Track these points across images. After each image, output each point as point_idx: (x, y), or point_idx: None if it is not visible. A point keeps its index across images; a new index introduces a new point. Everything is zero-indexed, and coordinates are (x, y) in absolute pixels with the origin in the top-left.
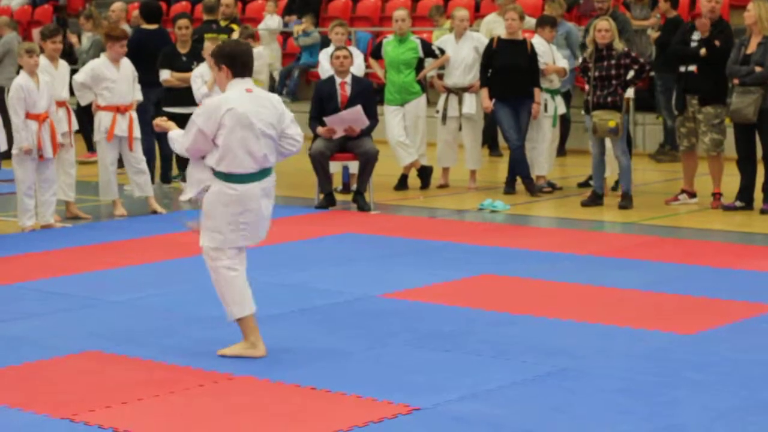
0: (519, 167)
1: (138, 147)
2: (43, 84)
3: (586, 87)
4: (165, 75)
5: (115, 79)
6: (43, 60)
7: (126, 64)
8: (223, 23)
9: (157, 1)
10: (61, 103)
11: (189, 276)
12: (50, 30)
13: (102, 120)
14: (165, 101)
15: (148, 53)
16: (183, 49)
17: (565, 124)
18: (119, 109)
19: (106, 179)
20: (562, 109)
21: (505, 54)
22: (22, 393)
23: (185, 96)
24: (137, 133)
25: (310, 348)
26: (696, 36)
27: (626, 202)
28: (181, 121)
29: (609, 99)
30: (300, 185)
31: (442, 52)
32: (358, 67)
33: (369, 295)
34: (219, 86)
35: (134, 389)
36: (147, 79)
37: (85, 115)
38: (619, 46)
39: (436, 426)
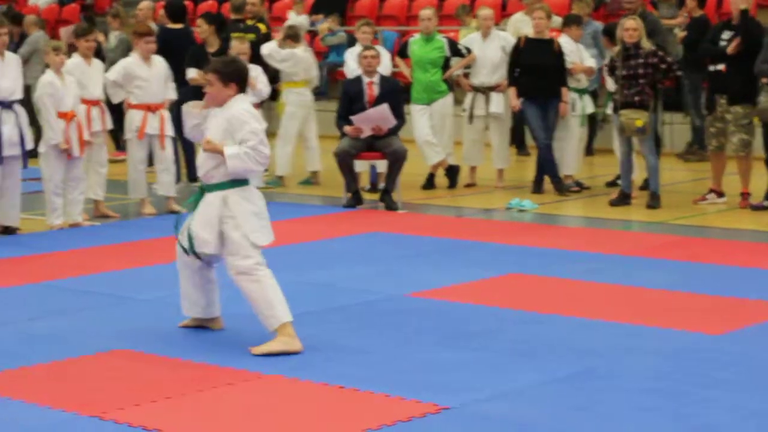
0: (547, 167)
1: (169, 146)
2: (68, 83)
3: (609, 85)
4: (192, 74)
5: (146, 78)
6: (76, 58)
7: (158, 62)
8: (249, 22)
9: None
10: (94, 102)
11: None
12: (84, 29)
13: (133, 118)
14: (193, 100)
15: (173, 53)
16: (211, 48)
17: (593, 123)
18: (150, 108)
19: (134, 178)
20: (590, 109)
21: (533, 53)
22: (50, 391)
23: None
24: (169, 131)
25: (338, 347)
26: (726, 36)
27: (654, 202)
28: None
29: (636, 98)
30: (327, 185)
31: (469, 51)
32: (384, 66)
33: (397, 295)
34: (214, 100)
35: (163, 388)
36: (174, 77)
37: (113, 114)
38: (647, 45)
39: (465, 425)
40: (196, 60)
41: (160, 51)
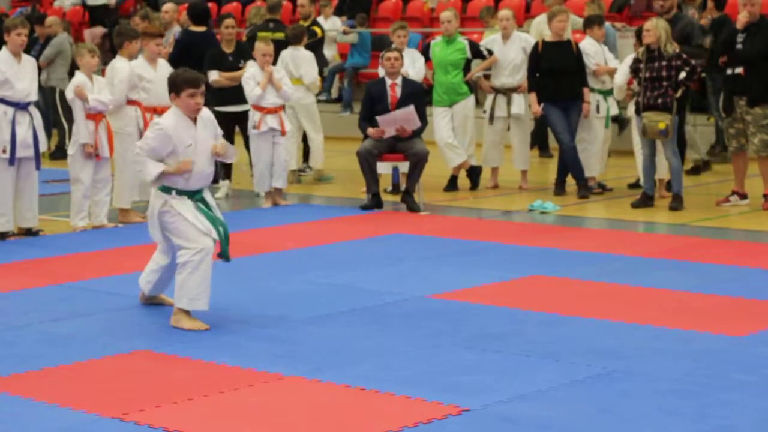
0: (573, 169)
1: None
2: (97, 85)
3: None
4: (214, 76)
5: (151, 79)
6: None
7: (164, 65)
8: (303, 23)
9: (206, 2)
10: (133, 102)
11: (241, 276)
12: (136, 32)
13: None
14: (216, 101)
15: (195, 55)
16: (228, 49)
17: (622, 123)
18: (156, 110)
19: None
20: (614, 110)
21: (552, 56)
22: (72, 392)
23: (235, 94)
24: None
25: (359, 348)
26: (741, 38)
27: (677, 204)
28: (234, 119)
29: (659, 100)
30: (348, 186)
31: (490, 52)
32: (418, 71)
33: (418, 296)
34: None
35: (184, 389)
36: None
37: None
38: (670, 47)
39: (486, 427)
40: (216, 62)
41: (182, 53)
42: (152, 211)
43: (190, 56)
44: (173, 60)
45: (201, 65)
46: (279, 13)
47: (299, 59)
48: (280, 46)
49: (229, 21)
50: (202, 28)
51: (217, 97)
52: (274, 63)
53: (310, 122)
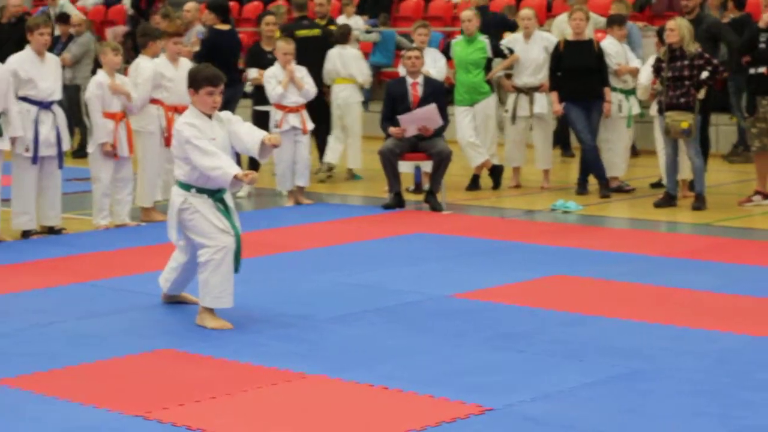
0: (594, 169)
1: None
2: (120, 83)
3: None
4: (253, 73)
5: (172, 78)
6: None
7: (186, 64)
8: (320, 22)
9: (228, 0)
10: (155, 101)
11: (264, 275)
12: (158, 31)
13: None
14: (255, 100)
15: (222, 53)
16: (268, 47)
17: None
18: (177, 110)
19: (164, 179)
20: (636, 109)
21: (573, 56)
22: (95, 391)
23: None
24: None
25: (382, 347)
26: (764, 37)
27: (699, 204)
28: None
29: (682, 100)
30: (371, 185)
31: (511, 51)
32: (439, 70)
33: (441, 295)
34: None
35: (207, 387)
36: None
37: None
38: (692, 47)
39: (509, 426)
40: (256, 59)
41: (209, 52)
42: (172, 209)
43: (218, 55)
44: (200, 59)
45: (228, 64)
46: (307, 10)
47: (347, 58)
48: (315, 43)
49: (269, 18)
50: (227, 27)
51: (256, 96)
52: (319, 61)
53: (355, 122)
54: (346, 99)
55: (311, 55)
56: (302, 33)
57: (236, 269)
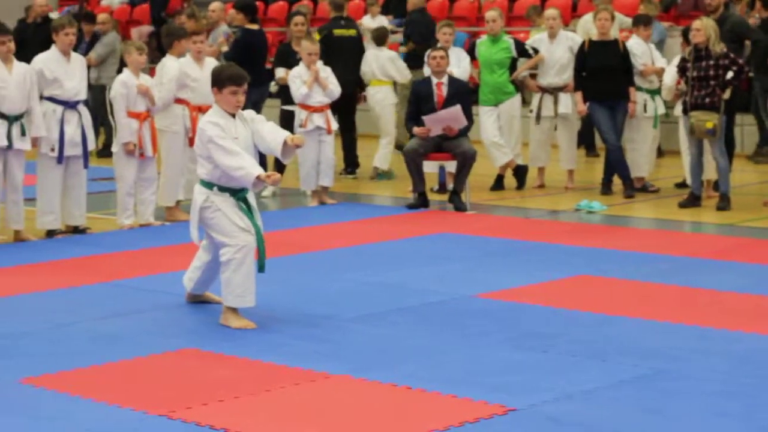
0: (619, 169)
1: None
2: (144, 83)
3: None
4: (280, 73)
5: (196, 78)
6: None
7: (211, 64)
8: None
9: (255, 0)
10: (181, 101)
11: (288, 274)
12: (183, 31)
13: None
14: (283, 99)
15: (254, 53)
16: (297, 46)
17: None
18: (201, 110)
19: (188, 179)
20: (662, 109)
21: (598, 55)
22: (119, 390)
23: None
24: None
25: (405, 347)
26: None
27: (724, 204)
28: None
29: (707, 100)
30: (395, 185)
31: (536, 51)
32: (463, 70)
33: (464, 295)
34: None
35: (231, 387)
36: (251, 78)
37: None
38: (718, 46)
39: (532, 427)
40: (285, 59)
41: (244, 51)
42: (194, 207)
43: (249, 55)
44: (233, 59)
45: (259, 64)
46: (344, 10)
47: (384, 60)
48: (351, 43)
49: (298, 18)
50: (256, 26)
51: (283, 95)
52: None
53: (389, 123)
54: (380, 101)
55: (347, 55)
56: (340, 32)
57: (261, 269)
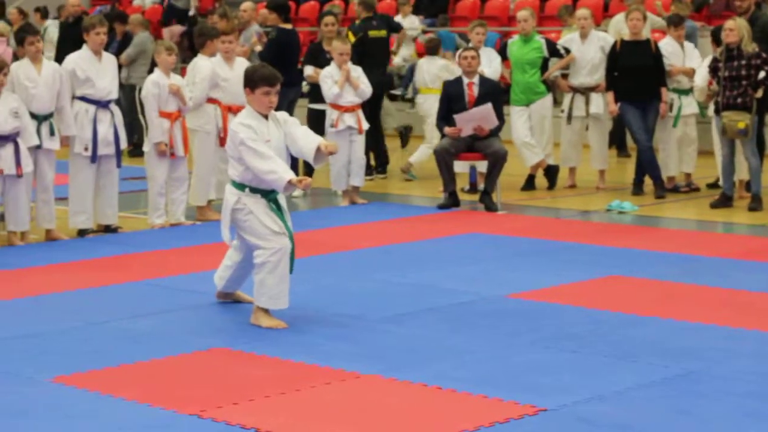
0: (649, 169)
1: None
2: (175, 83)
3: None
4: (309, 71)
5: (226, 78)
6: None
7: (242, 64)
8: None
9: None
10: (213, 101)
11: (318, 274)
12: (215, 30)
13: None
14: (310, 98)
15: (289, 53)
16: (328, 46)
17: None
18: (231, 110)
19: (219, 178)
20: (692, 109)
21: (630, 55)
22: (149, 389)
23: None
24: None
25: (436, 347)
26: None
27: (756, 204)
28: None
29: (739, 100)
30: (426, 184)
31: (568, 51)
32: (494, 70)
33: (495, 295)
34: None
35: (261, 386)
36: (285, 78)
37: None
38: (750, 46)
39: (563, 427)
40: (315, 58)
41: (279, 51)
42: (225, 208)
43: (284, 54)
44: (268, 58)
45: (293, 63)
46: (375, 9)
47: (435, 69)
48: (382, 43)
49: (328, 18)
50: (289, 26)
51: (311, 94)
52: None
53: (433, 129)
54: (427, 110)
55: (378, 56)
56: (374, 34)
57: (290, 270)
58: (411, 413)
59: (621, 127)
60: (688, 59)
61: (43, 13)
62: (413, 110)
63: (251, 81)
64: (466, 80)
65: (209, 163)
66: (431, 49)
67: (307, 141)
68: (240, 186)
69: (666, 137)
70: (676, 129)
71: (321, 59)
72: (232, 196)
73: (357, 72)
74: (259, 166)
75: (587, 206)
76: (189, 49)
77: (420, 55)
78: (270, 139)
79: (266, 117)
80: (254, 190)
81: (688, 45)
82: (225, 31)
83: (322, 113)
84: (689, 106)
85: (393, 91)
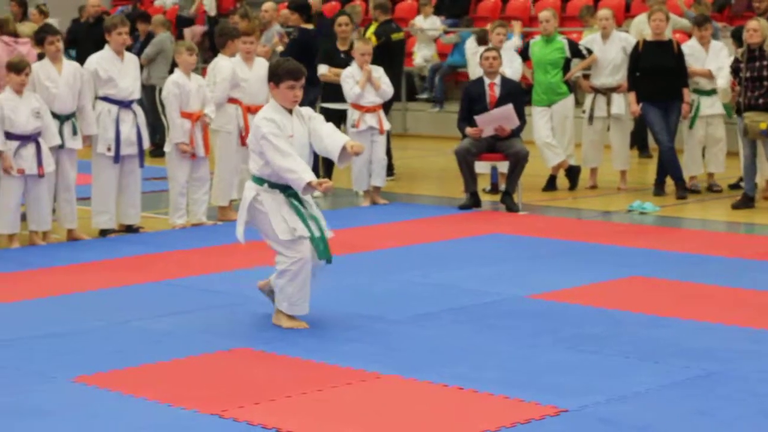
0: (670, 170)
1: None
2: (195, 84)
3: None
4: (323, 70)
5: (246, 78)
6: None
7: (261, 64)
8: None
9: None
10: (234, 101)
11: (339, 275)
12: (236, 30)
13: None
14: (323, 97)
15: (311, 53)
16: (342, 46)
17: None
18: (250, 109)
19: (240, 178)
20: (716, 109)
21: (652, 56)
22: (171, 389)
23: (342, 92)
24: None
25: (457, 348)
26: None
27: None
28: (339, 117)
29: (760, 100)
30: (447, 185)
31: (590, 52)
32: (515, 70)
33: (516, 296)
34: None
35: (283, 386)
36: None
37: None
38: None
39: (583, 428)
40: (329, 57)
41: (302, 51)
42: (243, 205)
43: (306, 54)
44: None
45: (316, 63)
46: (391, 12)
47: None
48: (402, 46)
49: (342, 19)
50: (311, 26)
51: (324, 93)
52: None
53: None
54: None
55: (398, 59)
56: (396, 37)
57: (329, 260)
58: (431, 414)
59: (643, 128)
60: (715, 58)
61: (41, 11)
62: (435, 110)
63: (276, 75)
64: (487, 81)
65: (231, 163)
66: (481, 39)
67: (333, 140)
68: (259, 180)
69: (687, 138)
70: (698, 130)
71: (335, 58)
72: (250, 191)
73: (378, 72)
74: (279, 163)
75: (608, 207)
76: (210, 49)
77: (442, 56)
78: (293, 135)
79: (290, 112)
80: (273, 185)
81: (716, 44)
82: (246, 31)
83: (335, 112)
84: (711, 106)
85: (418, 96)
